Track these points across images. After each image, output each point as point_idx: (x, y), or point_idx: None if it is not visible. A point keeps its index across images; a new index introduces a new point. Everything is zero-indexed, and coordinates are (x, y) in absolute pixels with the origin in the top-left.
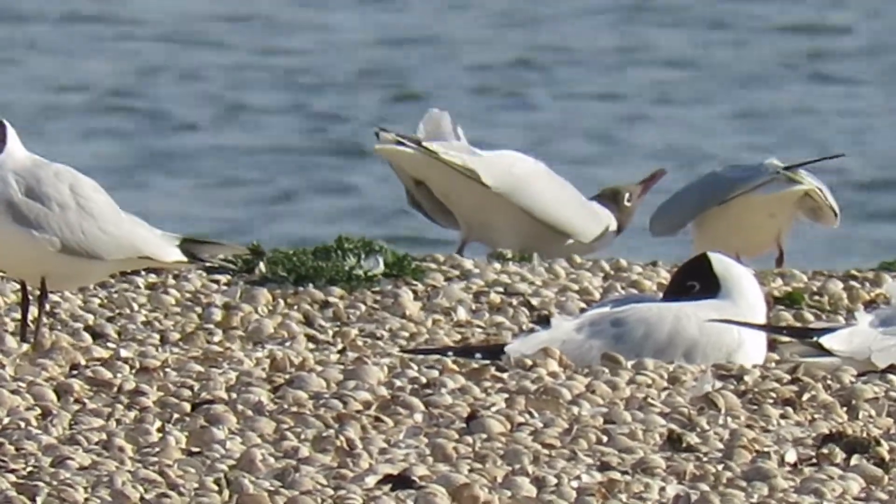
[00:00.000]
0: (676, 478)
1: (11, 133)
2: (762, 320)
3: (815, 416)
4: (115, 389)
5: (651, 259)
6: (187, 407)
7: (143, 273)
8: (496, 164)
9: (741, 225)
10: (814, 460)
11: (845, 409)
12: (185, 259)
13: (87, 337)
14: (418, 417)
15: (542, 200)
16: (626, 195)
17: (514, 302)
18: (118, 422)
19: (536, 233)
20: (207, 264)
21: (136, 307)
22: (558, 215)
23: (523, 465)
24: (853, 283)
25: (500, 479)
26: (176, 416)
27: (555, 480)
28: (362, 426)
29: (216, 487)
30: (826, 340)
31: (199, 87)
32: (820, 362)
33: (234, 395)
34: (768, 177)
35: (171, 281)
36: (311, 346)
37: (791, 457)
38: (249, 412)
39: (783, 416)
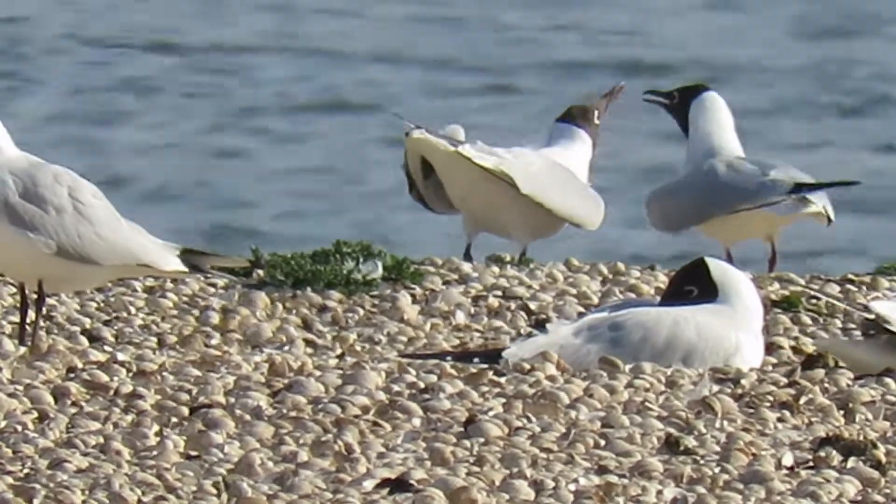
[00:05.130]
0: (674, 481)
1: (5, 134)
2: (759, 325)
3: (813, 419)
4: (112, 393)
5: (649, 263)
6: (185, 411)
7: (140, 277)
8: (524, 168)
9: (738, 229)
10: (811, 463)
11: (842, 412)
12: (184, 269)
13: (84, 340)
14: (416, 422)
15: (561, 198)
16: (595, 113)
17: (513, 306)
18: (115, 425)
19: (548, 223)
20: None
21: (133, 310)
22: (574, 209)
23: (521, 468)
24: (850, 286)
25: (497, 483)
26: (174, 419)
27: (552, 484)
28: (360, 431)
29: (215, 491)
30: (876, 305)
31: None
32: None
33: (232, 400)
34: (778, 196)
35: (168, 284)
36: (310, 350)
37: (788, 460)
38: (248, 416)
39: (780, 420)
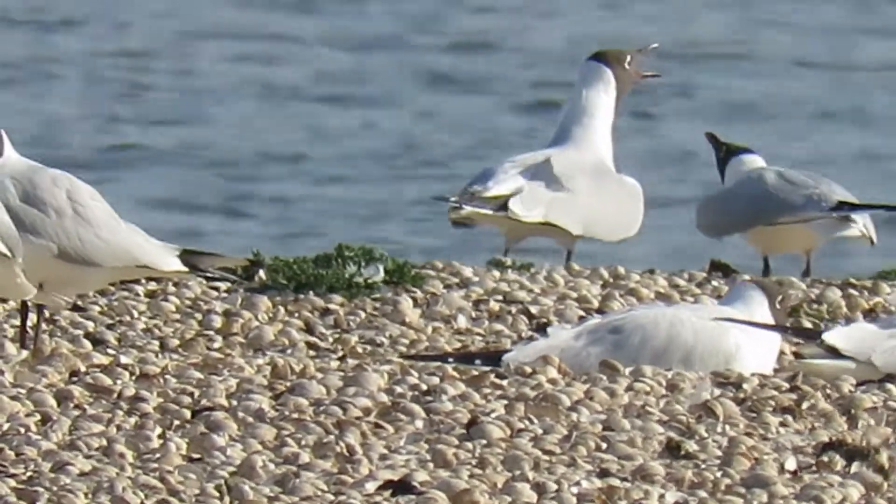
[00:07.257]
0: (675, 485)
1: (6, 139)
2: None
3: (815, 424)
4: (115, 396)
5: (649, 267)
6: (187, 414)
7: (142, 280)
8: (571, 207)
9: (778, 240)
10: (813, 468)
11: (845, 417)
12: (184, 269)
13: (87, 344)
14: (419, 424)
15: (608, 226)
16: (628, 58)
17: (514, 310)
18: (118, 428)
19: None
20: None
21: (135, 314)
22: (619, 232)
23: (523, 471)
24: (852, 291)
25: (500, 485)
26: (176, 422)
27: (555, 486)
28: (362, 432)
29: (217, 493)
30: (829, 336)
31: None
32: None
33: (234, 402)
34: (820, 212)
35: (171, 288)
36: (312, 353)
37: (791, 464)
38: (250, 419)
39: (783, 424)
